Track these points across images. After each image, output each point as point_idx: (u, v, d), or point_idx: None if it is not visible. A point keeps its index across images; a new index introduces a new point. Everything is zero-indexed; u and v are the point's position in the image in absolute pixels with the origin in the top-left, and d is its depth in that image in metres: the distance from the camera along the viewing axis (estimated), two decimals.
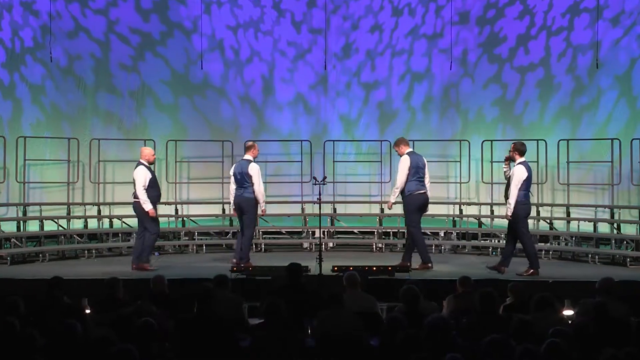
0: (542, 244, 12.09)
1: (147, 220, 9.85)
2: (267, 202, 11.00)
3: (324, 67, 13.65)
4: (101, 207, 13.01)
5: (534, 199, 13.20)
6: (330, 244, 12.75)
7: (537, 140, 12.93)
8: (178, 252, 12.47)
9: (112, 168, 13.51)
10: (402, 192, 9.82)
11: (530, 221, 12.53)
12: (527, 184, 9.50)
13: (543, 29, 13.28)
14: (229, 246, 12.65)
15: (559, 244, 12.09)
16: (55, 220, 12.39)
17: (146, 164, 9.90)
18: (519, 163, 9.53)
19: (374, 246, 12.45)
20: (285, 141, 13.87)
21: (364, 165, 13.87)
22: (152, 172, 9.93)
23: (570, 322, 6.41)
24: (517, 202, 9.43)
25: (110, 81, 13.53)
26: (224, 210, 13.16)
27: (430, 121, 13.82)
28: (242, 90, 13.92)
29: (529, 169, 9.54)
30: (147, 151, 10.04)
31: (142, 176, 9.82)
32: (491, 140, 13.26)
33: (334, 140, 13.57)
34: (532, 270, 9.44)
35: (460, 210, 12.96)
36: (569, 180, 12.52)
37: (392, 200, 9.89)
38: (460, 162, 13.29)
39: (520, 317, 5.75)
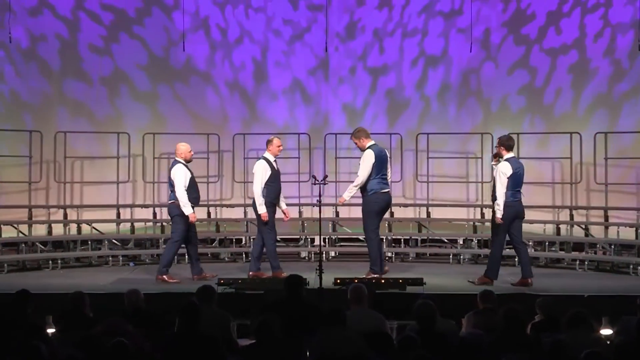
0: (577, 252, 12.09)
1: (177, 226, 10.06)
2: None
3: (324, 50, 13.63)
4: (68, 210, 13.02)
5: (557, 199, 13.25)
6: (332, 253, 12.74)
7: (571, 133, 12.92)
8: (156, 262, 12.46)
9: (80, 166, 13.50)
10: (362, 190, 10.03)
11: (563, 227, 12.58)
12: (513, 182, 9.67)
13: (577, 6, 13.29)
14: (215, 255, 12.64)
15: (595, 252, 12.11)
16: (15, 225, 12.41)
17: (183, 162, 10.06)
18: (506, 159, 9.70)
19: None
20: (280, 134, 13.84)
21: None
22: (191, 172, 10.13)
23: (608, 342, 6.39)
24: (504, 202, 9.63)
25: (79, 66, 13.52)
26: (209, 214, 13.14)
27: (447, 112, 13.80)
28: (230, 76, 13.91)
29: (516, 165, 9.72)
30: (184, 147, 10.20)
31: (182, 175, 10.01)
32: (517, 134, 13.23)
33: (336, 134, 13.55)
34: (486, 279, 9.77)
35: (482, 214, 12.95)
36: (607, 179, 12.52)
37: (347, 198, 10.15)
38: (481, 158, 13.28)
39: (553, 337, 5.73)
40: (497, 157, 9.88)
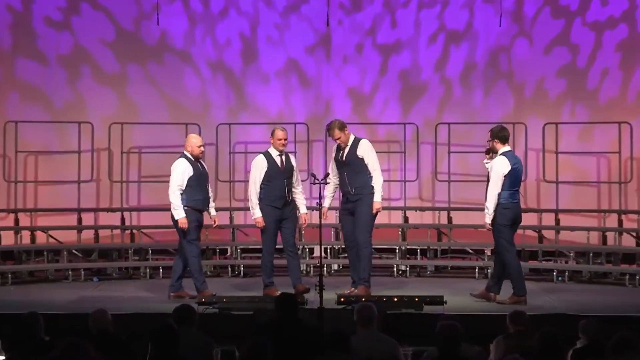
0: (626, 265, 12.11)
1: (180, 235, 10.19)
2: (247, 209, 11.02)
3: (325, 23, 13.64)
4: (19, 215, 13.03)
5: (603, 202, 13.25)
6: (335, 266, 12.76)
7: (619, 123, 12.94)
8: (125, 276, 12.49)
9: (34, 162, 13.51)
10: (361, 190, 10.19)
11: (610, 235, 12.61)
12: (511, 180, 9.81)
13: None
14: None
15: None
16: None
17: (190, 156, 10.14)
18: (502, 154, 9.82)
19: (395, 269, 12.49)
20: (272, 124, 13.86)
21: (381, 158, 13.80)
22: (198, 169, 10.21)
23: None
24: (498, 206, 9.73)
25: (33, 43, 13.54)
26: None
27: (472, 97, 13.81)
28: (213, 54, 13.92)
29: (514, 161, 9.84)
30: (193, 140, 10.31)
31: (178, 172, 10.15)
32: (555, 124, 13.26)
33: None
34: (516, 297, 9.79)
35: None
36: None
37: (379, 201, 10.31)
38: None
39: None
40: (489, 152, 9.98)
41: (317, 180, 9.73)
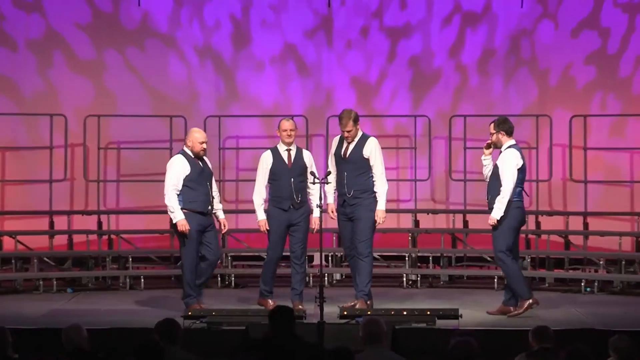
0: None
1: (180, 240, 10.14)
2: (239, 212, 11.02)
3: (327, 4, 13.63)
4: None
5: (637, 204, 13.23)
6: (337, 276, 12.72)
7: None
8: (102, 287, 12.46)
9: (0, 159, 13.49)
10: (362, 191, 10.15)
11: (627, 239, 12.58)
12: (521, 177, 9.93)
13: None
14: (180, 278, 12.60)
15: None
16: None
17: (189, 152, 10.12)
18: (510, 147, 9.92)
19: (405, 279, 12.48)
20: (267, 117, 13.85)
21: (389, 154, 13.81)
22: (198, 167, 10.13)
23: None
24: (508, 204, 9.80)
25: (0, 26, 13.50)
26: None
27: (491, 87, 13.80)
28: (200, 39, 13.89)
29: (522, 155, 9.97)
30: (195, 135, 10.21)
31: (172, 171, 10.09)
32: (584, 116, 13.23)
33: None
34: (525, 302, 9.84)
35: (537, 224, 12.97)
36: None
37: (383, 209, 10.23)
38: (537, 149, 13.30)
39: None
40: (490, 147, 10.02)
41: (317, 179, 9.69)
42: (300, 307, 9.91)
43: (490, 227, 9.91)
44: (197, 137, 10.15)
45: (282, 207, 10.21)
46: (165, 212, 13.04)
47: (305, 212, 10.26)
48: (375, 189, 10.12)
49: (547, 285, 12.34)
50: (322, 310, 8.93)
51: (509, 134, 9.97)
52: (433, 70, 13.88)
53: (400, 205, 13.54)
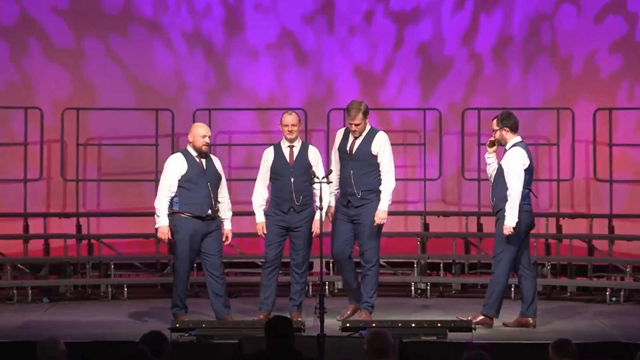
0: None
1: (174, 247, 10.16)
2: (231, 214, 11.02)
3: None
4: None
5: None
6: (339, 284, 12.68)
7: None
8: (82, 297, 12.49)
9: None
10: (369, 191, 10.17)
11: (632, 244, 12.59)
12: (529, 177, 9.95)
13: None
14: (167, 286, 12.68)
15: None
16: None
17: (191, 150, 10.13)
18: (514, 145, 9.93)
19: (413, 287, 12.52)
20: (262, 110, 13.89)
21: (396, 151, 13.79)
22: (197, 166, 10.10)
23: None
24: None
25: None
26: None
27: (508, 77, 13.82)
28: (189, 24, 13.91)
29: (529, 154, 9.98)
30: (196, 129, 10.21)
31: (167, 170, 10.14)
32: (609, 109, 13.27)
33: (344, 109, 13.55)
34: (484, 317, 9.98)
35: (558, 228, 13.03)
36: None
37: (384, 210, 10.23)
38: (557, 145, 13.35)
39: None
40: (493, 144, 10.06)
41: (318, 178, 9.70)
42: (299, 318, 9.95)
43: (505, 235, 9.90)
44: (198, 131, 10.12)
45: (281, 209, 10.24)
46: (151, 214, 13.16)
47: (307, 216, 10.25)
48: (380, 188, 10.13)
49: (568, 294, 12.36)
50: (322, 321, 8.95)
51: (514, 130, 9.97)
52: (444, 59, 13.89)
53: (408, 207, 13.57)
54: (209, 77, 13.95)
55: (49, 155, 13.47)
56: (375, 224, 10.10)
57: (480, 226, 13.15)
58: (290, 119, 10.31)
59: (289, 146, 10.30)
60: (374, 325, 9.12)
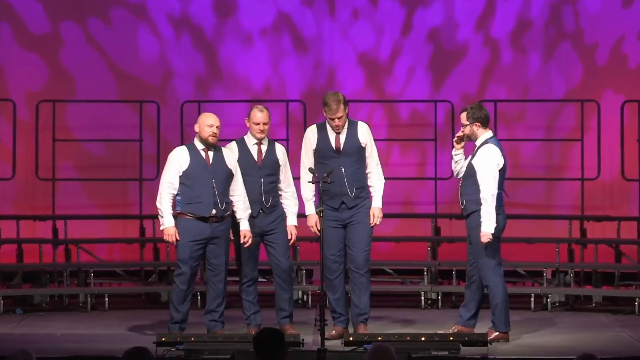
0: None
1: (176, 249, 10.02)
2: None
3: None
4: None
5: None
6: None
7: None
8: (58, 307, 12.47)
9: None
10: (363, 190, 10.11)
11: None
12: (502, 177, 9.92)
13: None
14: (152, 296, 12.64)
15: None
16: None
17: (197, 142, 10.05)
18: (486, 142, 9.88)
19: (423, 297, 12.53)
20: (257, 102, 13.86)
21: (404, 147, 13.86)
22: (202, 160, 10.01)
23: None
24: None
25: None
26: (143, 230, 13.13)
27: (527, 66, 13.84)
28: (176, 7, 13.91)
29: (502, 150, 9.90)
30: (203, 119, 10.14)
31: (168, 165, 10.04)
32: (638, 101, 13.23)
33: (347, 101, 13.54)
34: (500, 334, 9.89)
35: (583, 232, 13.03)
36: None
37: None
38: (581, 141, 13.36)
39: None
40: (462, 140, 9.97)
41: (317, 177, 9.64)
42: (291, 331, 9.90)
43: (483, 243, 9.75)
44: (205, 119, 10.06)
45: (251, 214, 10.16)
46: (134, 217, 13.15)
47: (278, 216, 10.20)
48: (370, 184, 10.09)
49: (594, 304, 12.35)
50: (322, 335, 8.95)
51: (485, 124, 9.88)
52: (457, 46, 13.93)
53: (418, 208, 13.57)
54: (198, 65, 13.95)
55: (21, 152, 13.43)
56: (372, 224, 10.06)
57: None
58: (262, 116, 10.17)
59: (256, 143, 10.19)
60: (379, 339, 9.10)
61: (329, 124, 10.10)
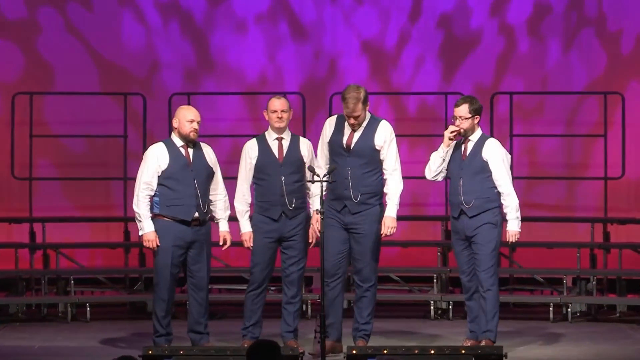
0: None
1: (155, 255, 9.93)
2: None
3: None
4: None
5: None
6: (344, 303, 12.75)
7: None
8: (36, 318, 12.51)
9: None
10: (370, 195, 10.09)
11: None
12: None
13: None
14: (137, 305, 12.67)
15: None
16: None
17: (176, 139, 10.01)
18: (484, 136, 10.15)
19: (433, 307, 12.55)
20: (252, 94, 13.88)
21: (411, 143, 13.89)
22: (181, 157, 10.01)
23: None
24: (498, 214, 10.05)
25: None
26: (127, 234, 13.16)
27: (545, 56, 13.87)
28: None
29: None
30: (183, 113, 10.07)
31: (144, 164, 9.98)
32: None
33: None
34: (485, 340, 10.03)
35: (606, 235, 13.06)
36: None
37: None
38: (605, 137, 13.40)
39: None
40: (458, 134, 10.02)
41: (318, 176, 9.66)
42: (295, 345, 9.89)
43: (511, 242, 10.07)
44: (184, 113, 10.01)
45: (271, 216, 10.12)
46: (118, 219, 13.18)
47: (302, 223, 10.16)
48: (385, 190, 10.03)
49: (618, 314, 12.46)
50: (323, 347, 9.03)
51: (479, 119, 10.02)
52: (470, 33, 13.99)
53: (427, 210, 13.61)
54: (187, 54, 14.00)
55: None
56: (382, 234, 10.01)
57: None
58: (279, 103, 10.17)
59: (277, 138, 10.17)
60: (385, 352, 9.12)
61: (346, 119, 10.01)
